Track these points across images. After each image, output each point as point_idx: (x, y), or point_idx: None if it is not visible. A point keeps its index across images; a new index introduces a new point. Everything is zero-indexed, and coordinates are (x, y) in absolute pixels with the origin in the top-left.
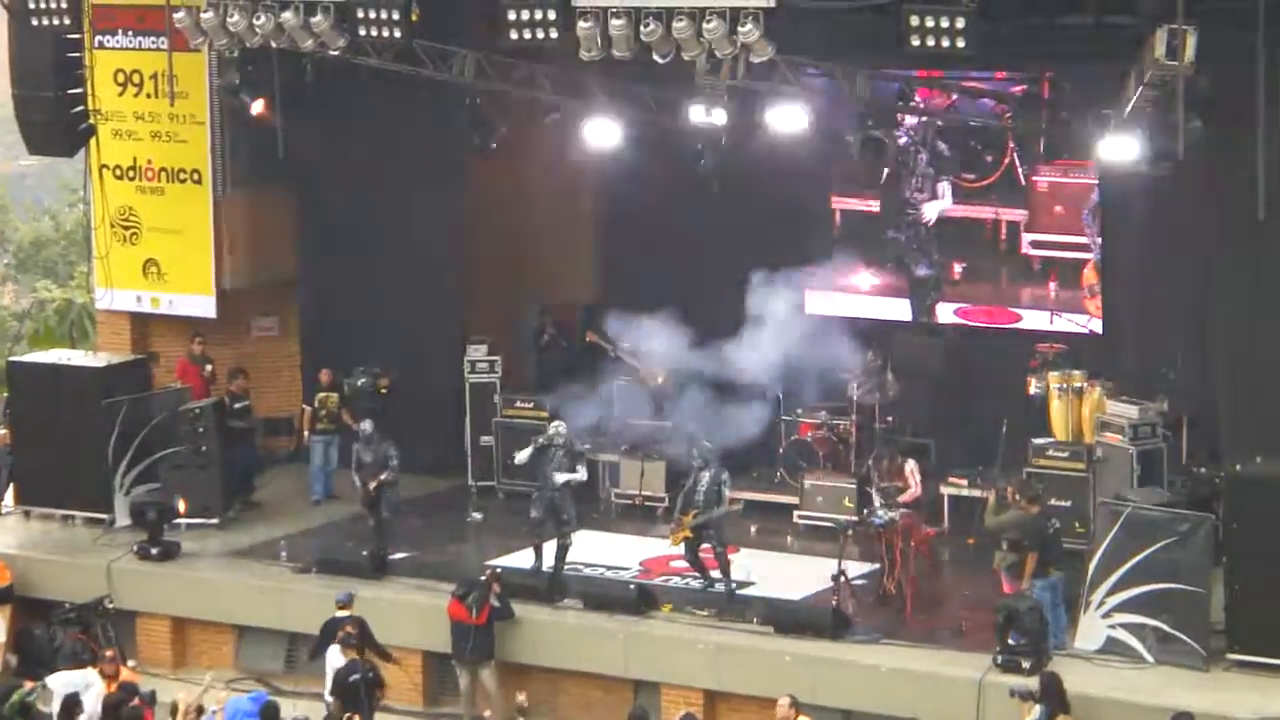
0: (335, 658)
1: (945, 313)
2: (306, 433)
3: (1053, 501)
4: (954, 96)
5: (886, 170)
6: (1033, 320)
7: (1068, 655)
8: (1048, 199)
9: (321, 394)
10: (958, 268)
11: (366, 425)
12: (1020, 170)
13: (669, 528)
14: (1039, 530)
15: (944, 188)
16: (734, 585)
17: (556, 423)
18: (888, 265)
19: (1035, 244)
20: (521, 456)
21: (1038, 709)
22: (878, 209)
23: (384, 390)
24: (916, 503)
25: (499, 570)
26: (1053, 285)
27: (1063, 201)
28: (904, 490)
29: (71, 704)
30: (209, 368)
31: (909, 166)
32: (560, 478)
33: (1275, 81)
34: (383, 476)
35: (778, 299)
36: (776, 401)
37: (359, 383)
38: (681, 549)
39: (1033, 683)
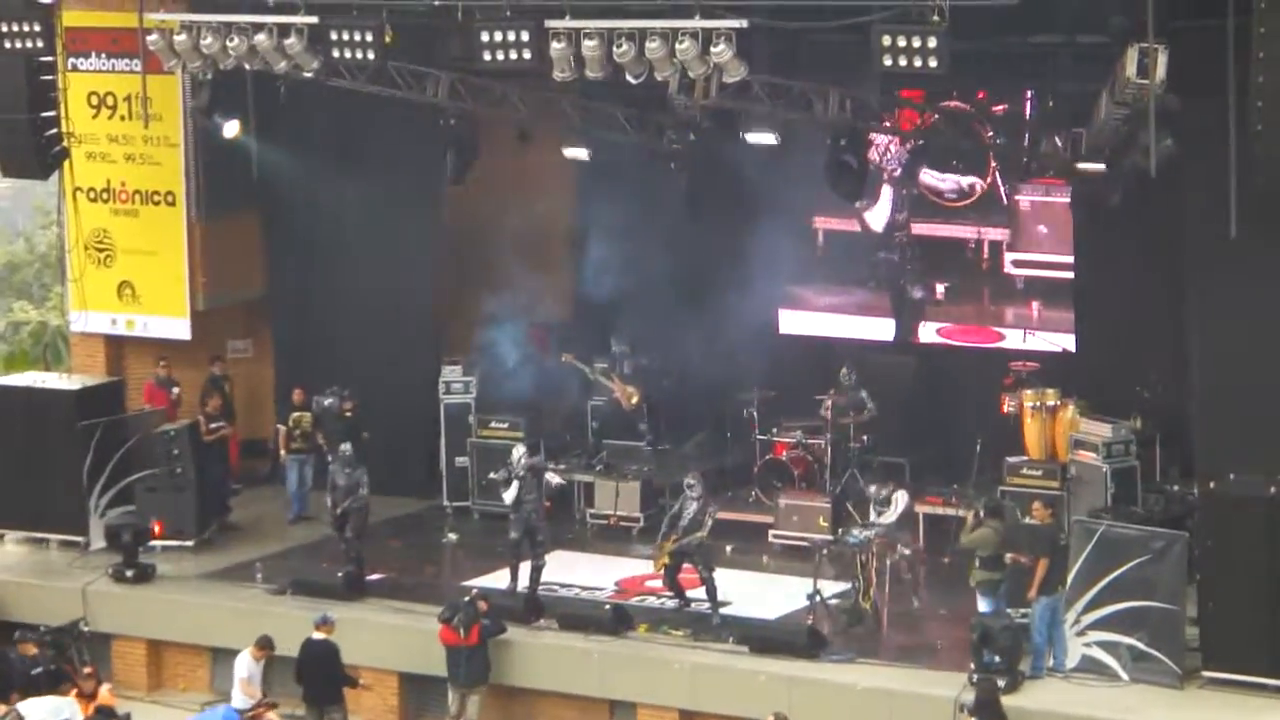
0: (243, 665)
1: (928, 332)
2: (283, 452)
3: (1027, 520)
4: (934, 116)
5: (866, 189)
6: (1010, 340)
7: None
8: (1030, 218)
9: (295, 414)
10: (940, 288)
11: (346, 448)
12: (1002, 189)
13: (651, 550)
14: (1050, 540)
15: (886, 191)
16: (720, 614)
17: (518, 450)
18: (870, 285)
19: (1017, 263)
20: (509, 495)
21: None
22: (859, 229)
23: (349, 413)
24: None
25: (473, 590)
26: (1035, 304)
27: (1045, 220)
28: (888, 509)
29: None
30: (176, 390)
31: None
32: (553, 479)
33: (1245, 100)
34: (346, 503)
35: (753, 319)
36: (751, 420)
37: (326, 403)
38: (662, 572)
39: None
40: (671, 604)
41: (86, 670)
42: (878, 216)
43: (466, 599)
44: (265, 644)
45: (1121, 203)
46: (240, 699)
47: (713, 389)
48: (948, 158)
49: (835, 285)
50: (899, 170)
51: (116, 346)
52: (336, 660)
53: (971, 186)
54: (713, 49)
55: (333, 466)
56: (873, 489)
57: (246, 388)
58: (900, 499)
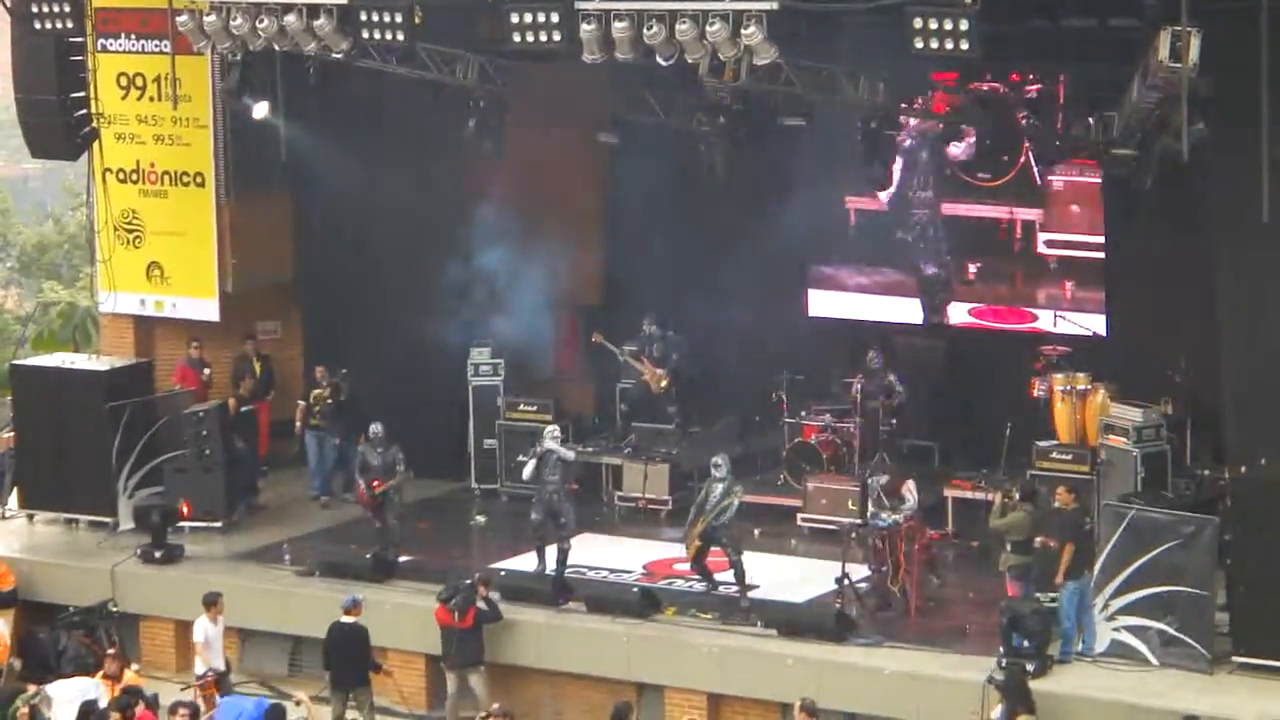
0: (199, 630)
1: (958, 313)
2: (298, 424)
3: (1056, 504)
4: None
5: (895, 170)
6: (1043, 321)
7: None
8: (1063, 198)
9: (315, 390)
10: (972, 268)
11: (377, 427)
12: (1035, 169)
13: (680, 535)
14: (1076, 524)
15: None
16: (748, 597)
17: (550, 429)
18: (898, 264)
19: (1050, 243)
20: (527, 471)
21: (1000, 707)
22: (887, 208)
23: (328, 400)
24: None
25: (499, 572)
26: (1068, 285)
27: (1078, 200)
28: (903, 504)
29: (88, 712)
30: (207, 372)
31: (912, 166)
32: (565, 453)
33: (1279, 83)
34: (391, 482)
35: (783, 301)
36: (780, 403)
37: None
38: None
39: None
40: (699, 587)
41: (110, 650)
42: (887, 191)
43: (468, 581)
44: (211, 600)
45: (1153, 186)
46: (198, 665)
47: (742, 372)
48: (983, 144)
49: (866, 265)
50: (909, 142)
51: (146, 328)
52: (365, 644)
53: (990, 153)
54: (744, 31)
55: (363, 447)
56: (883, 480)
57: (275, 370)
58: (910, 488)
